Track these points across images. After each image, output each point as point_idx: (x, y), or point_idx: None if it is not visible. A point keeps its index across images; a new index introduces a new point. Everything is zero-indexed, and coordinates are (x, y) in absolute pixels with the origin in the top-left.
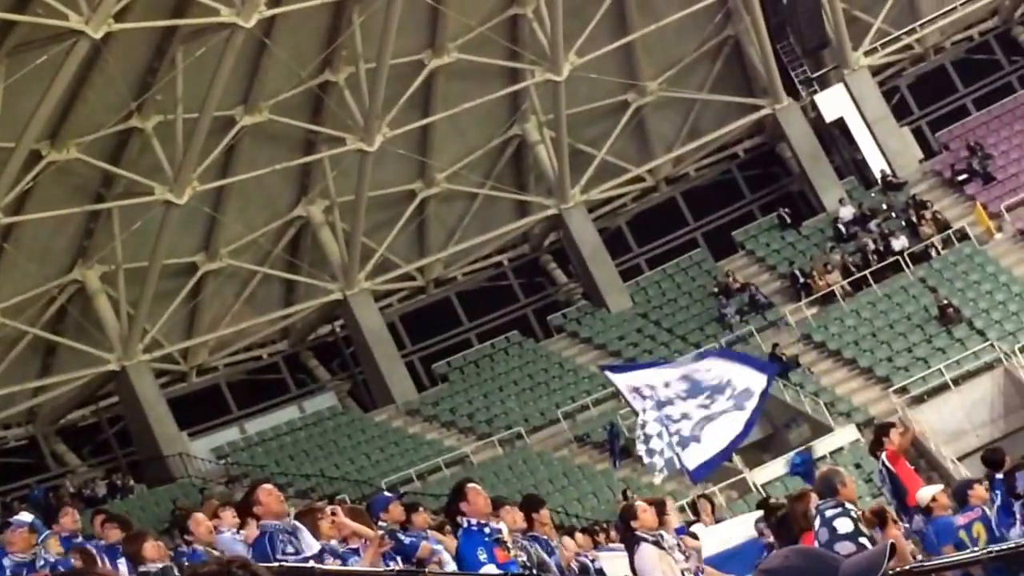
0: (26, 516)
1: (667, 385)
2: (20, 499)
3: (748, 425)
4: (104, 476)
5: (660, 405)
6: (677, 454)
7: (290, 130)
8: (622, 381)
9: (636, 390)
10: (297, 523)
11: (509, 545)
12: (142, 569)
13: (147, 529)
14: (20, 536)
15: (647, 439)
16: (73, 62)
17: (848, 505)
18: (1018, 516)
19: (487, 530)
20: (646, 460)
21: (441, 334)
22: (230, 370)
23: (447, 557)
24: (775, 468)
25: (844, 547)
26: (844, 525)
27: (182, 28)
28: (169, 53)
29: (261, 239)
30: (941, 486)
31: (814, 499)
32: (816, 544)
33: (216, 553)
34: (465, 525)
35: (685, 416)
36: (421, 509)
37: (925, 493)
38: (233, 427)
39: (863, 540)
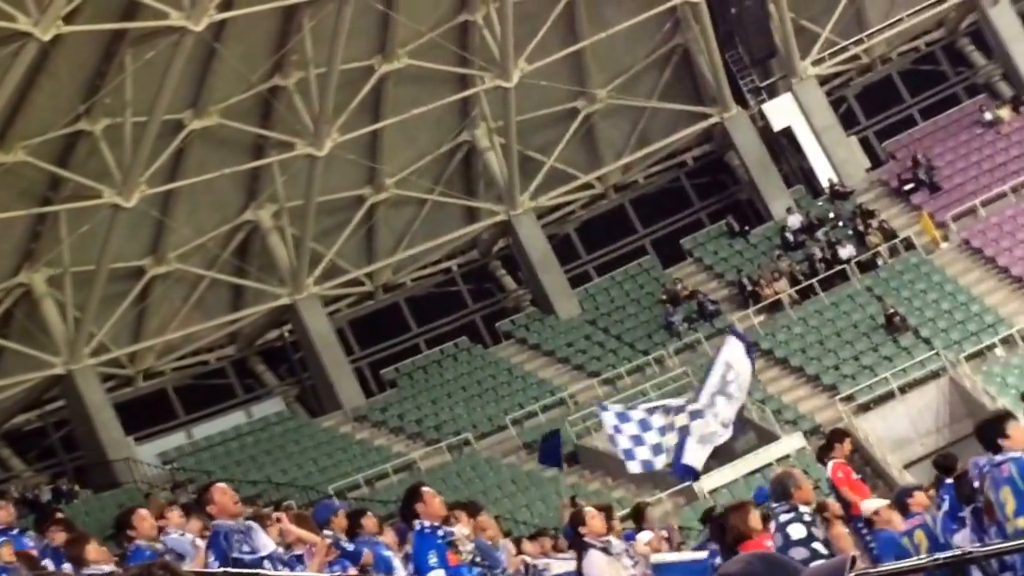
0: None
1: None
2: None
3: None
4: (49, 481)
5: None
6: (671, 449)
7: (239, 134)
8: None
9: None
10: (251, 523)
11: (461, 549)
12: (85, 572)
13: (89, 533)
14: None
15: (638, 440)
16: (21, 64)
17: (802, 508)
18: (968, 522)
19: (440, 532)
20: (626, 459)
21: (389, 340)
22: (177, 375)
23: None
24: (722, 475)
25: (797, 552)
26: (797, 531)
27: (131, 31)
28: (118, 56)
29: (209, 243)
30: (887, 501)
31: (755, 512)
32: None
33: (159, 548)
34: (418, 527)
35: (707, 407)
36: (369, 514)
37: (869, 505)
38: (180, 432)
39: (816, 545)
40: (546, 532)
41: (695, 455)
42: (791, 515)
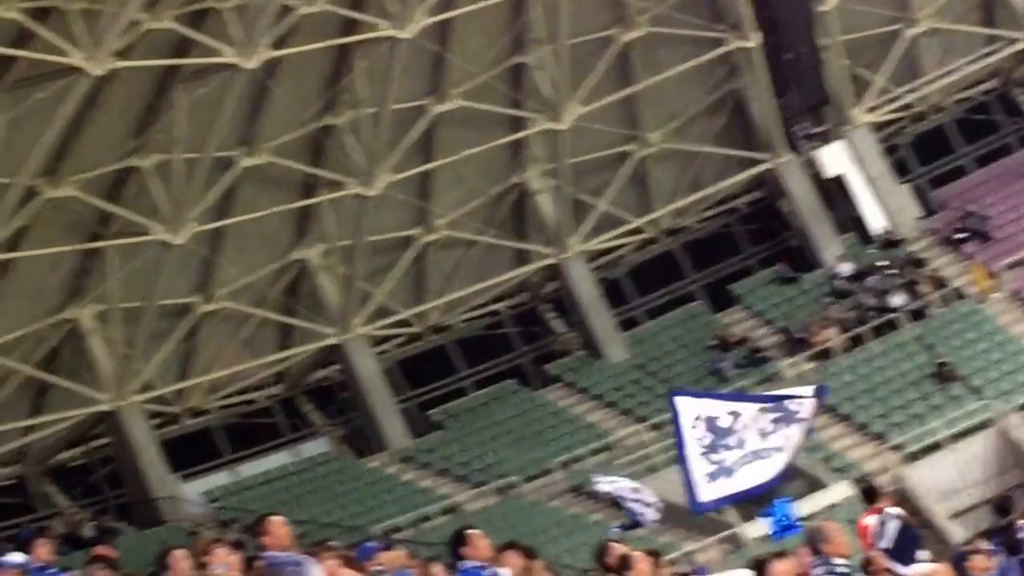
0: (18, 556)
1: (734, 415)
2: (7, 539)
3: (786, 469)
4: (92, 518)
5: (717, 432)
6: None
7: (290, 173)
8: (690, 406)
9: (698, 418)
10: (304, 557)
11: None
12: None
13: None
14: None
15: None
16: (73, 99)
17: (837, 561)
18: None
19: (486, 573)
20: (637, 513)
21: (437, 381)
22: (223, 413)
23: None
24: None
25: None
26: None
27: (184, 68)
28: (170, 92)
29: (258, 282)
30: (937, 566)
31: (802, 555)
32: None
33: None
34: (463, 568)
35: (739, 444)
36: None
37: (917, 571)
38: (225, 471)
39: None
40: None
41: (716, 488)
42: (822, 569)
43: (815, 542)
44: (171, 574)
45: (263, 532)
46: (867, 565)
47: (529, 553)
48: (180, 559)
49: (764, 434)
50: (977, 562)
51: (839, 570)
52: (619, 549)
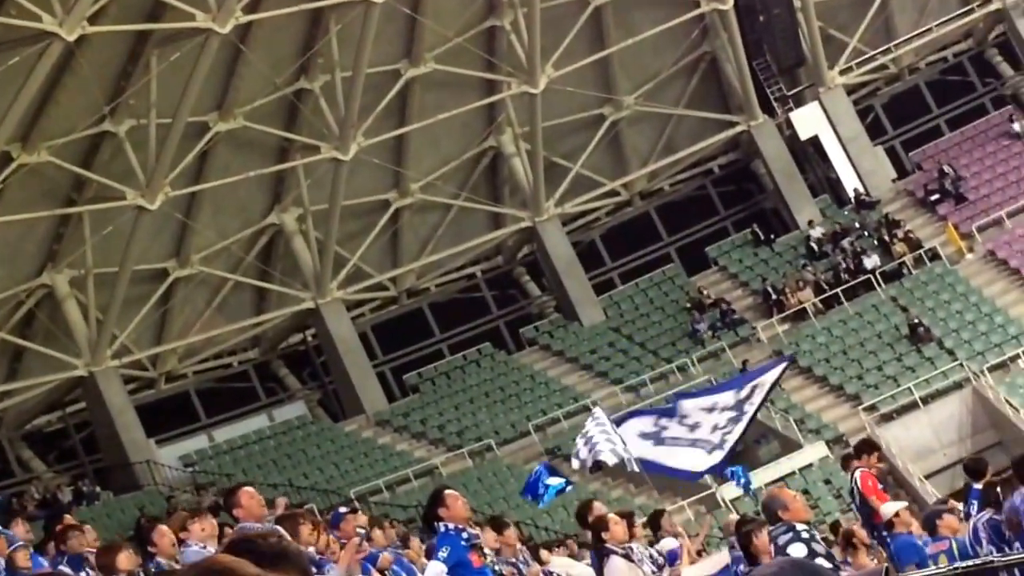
0: None
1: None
2: None
3: (706, 470)
4: (70, 482)
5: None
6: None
7: (264, 137)
8: (690, 405)
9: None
10: (277, 527)
11: (486, 551)
12: None
13: (121, 542)
14: None
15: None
16: (46, 64)
17: (799, 527)
18: (984, 533)
19: (465, 535)
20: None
21: (413, 345)
22: (199, 377)
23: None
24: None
25: None
26: (797, 550)
27: (157, 32)
28: (143, 57)
29: (233, 246)
30: (905, 503)
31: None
32: None
33: (177, 567)
34: (443, 529)
35: (691, 427)
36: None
37: (888, 508)
38: (201, 435)
39: (820, 561)
40: (567, 539)
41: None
42: (789, 535)
43: (774, 509)
44: (155, 549)
45: (235, 504)
46: (849, 537)
47: (499, 526)
48: (164, 534)
49: (715, 428)
50: (949, 521)
51: (804, 535)
52: (599, 509)
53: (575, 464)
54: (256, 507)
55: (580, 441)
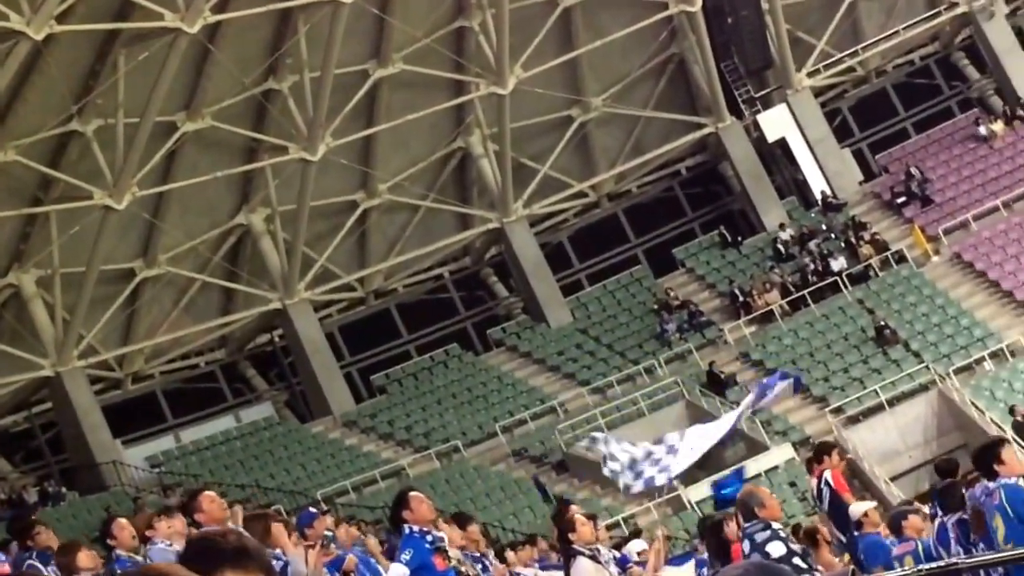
0: None
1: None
2: None
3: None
4: (36, 483)
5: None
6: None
7: (232, 137)
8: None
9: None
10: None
11: (450, 554)
12: None
13: (80, 541)
14: None
15: (633, 463)
16: (13, 63)
17: (776, 526)
18: (952, 534)
19: (429, 537)
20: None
21: (380, 346)
22: (166, 378)
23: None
24: (709, 485)
25: None
26: (776, 549)
27: (125, 32)
28: (111, 57)
29: (200, 246)
30: (874, 503)
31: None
32: None
33: (140, 559)
34: (407, 531)
35: (669, 450)
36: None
37: (857, 508)
38: (168, 435)
39: (797, 561)
40: (535, 539)
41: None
42: (767, 533)
43: (751, 506)
44: (114, 542)
45: (196, 508)
46: (813, 534)
47: (462, 521)
48: (123, 527)
49: (692, 450)
50: (914, 522)
51: (782, 534)
52: (573, 511)
53: (621, 486)
54: (217, 511)
55: (615, 465)
